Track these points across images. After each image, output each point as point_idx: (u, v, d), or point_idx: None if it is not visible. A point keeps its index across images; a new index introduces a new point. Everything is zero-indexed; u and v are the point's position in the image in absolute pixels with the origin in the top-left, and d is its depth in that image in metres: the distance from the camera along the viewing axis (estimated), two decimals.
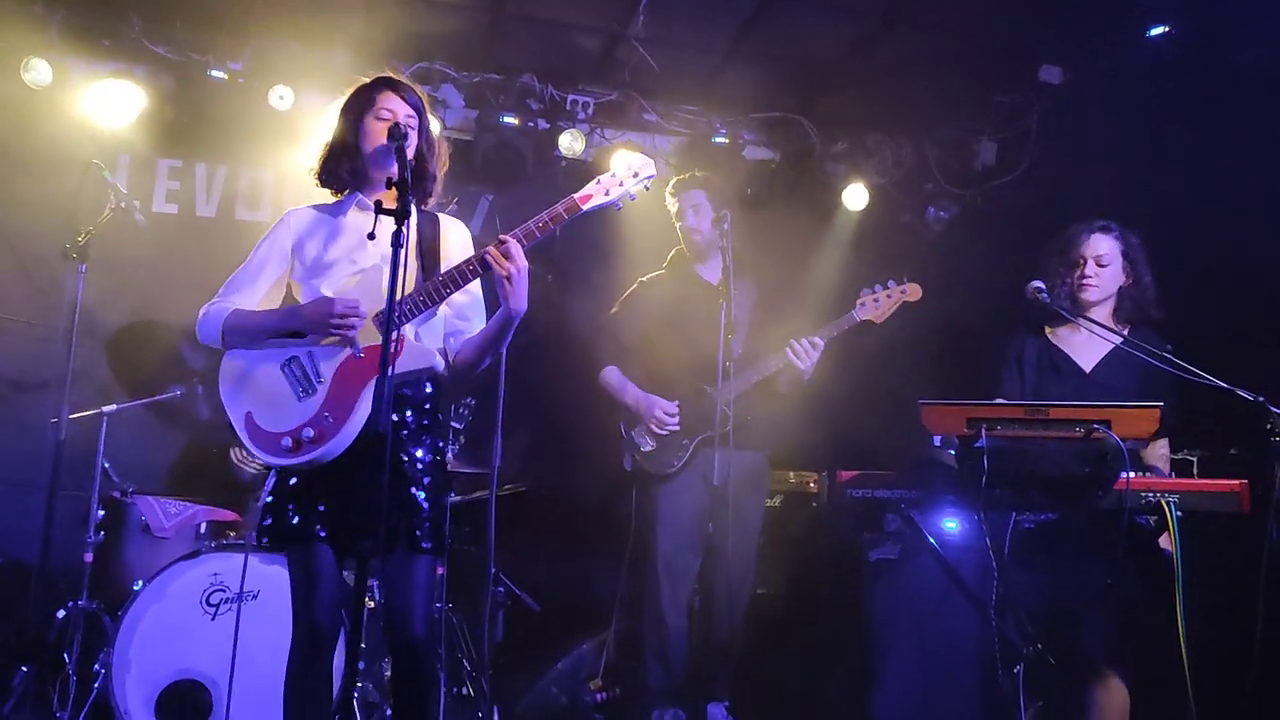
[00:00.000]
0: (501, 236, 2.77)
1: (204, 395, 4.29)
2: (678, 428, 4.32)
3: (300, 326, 2.82)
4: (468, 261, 2.81)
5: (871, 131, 5.98)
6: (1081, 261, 3.71)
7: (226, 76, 5.22)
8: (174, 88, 5.21)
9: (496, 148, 5.56)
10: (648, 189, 2.91)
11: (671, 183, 4.66)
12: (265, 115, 5.24)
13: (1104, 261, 3.69)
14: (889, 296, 4.26)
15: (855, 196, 5.91)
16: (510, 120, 5.57)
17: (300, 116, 5.25)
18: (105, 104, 5.07)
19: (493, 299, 2.96)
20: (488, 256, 2.76)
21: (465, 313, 3.01)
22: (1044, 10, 4.75)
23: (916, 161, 6.01)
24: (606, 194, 2.85)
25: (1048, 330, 3.83)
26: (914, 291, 4.29)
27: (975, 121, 5.78)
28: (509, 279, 2.74)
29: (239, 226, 5.59)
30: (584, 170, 5.74)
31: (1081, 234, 3.76)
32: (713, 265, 4.55)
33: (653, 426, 4.33)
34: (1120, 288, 3.73)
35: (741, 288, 4.33)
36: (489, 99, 5.58)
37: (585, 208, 2.85)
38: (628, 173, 2.86)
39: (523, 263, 2.75)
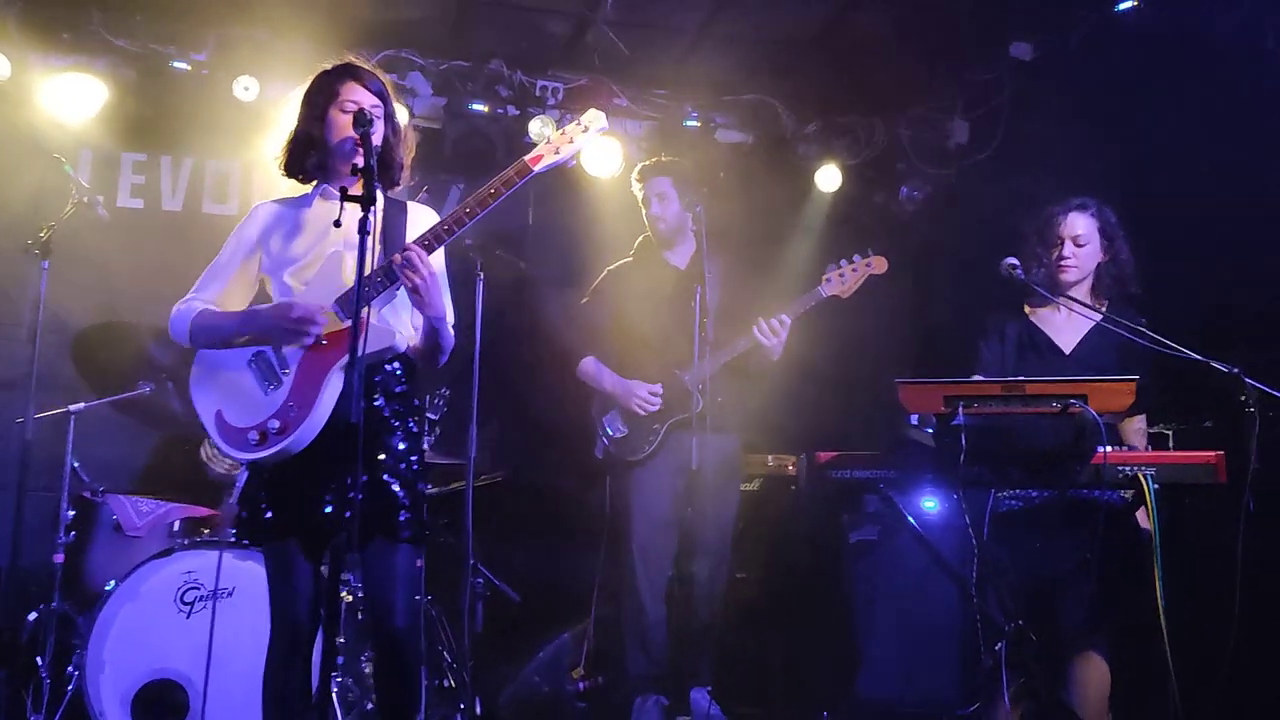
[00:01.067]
0: (407, 244, 2.71)
1: (174, 391, 4.23)
2: (659, 406, 4.29)
3: (259, 331, 2.79)
4: (426, 234, 2.76)
5: (843, 112, 5.96)
6: (1059, 242, 3.68)
7: (190, 68, 5.14)
8: (136, 80, 5.13)
9: (466, 135, 5.50)
10: (599, 137, 2.87)
11: (636, 169, 4.60)
12: (230, 106, 5.16)
13: (1081, 241, 3.67)
14: (854, 270, 4.23)
15: (828, 178, 5.89)
16: (479, 107, 5.51)
17: (266, 107, 5.17)
18: (66, 98, 4.97)
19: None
20: (393, 266, 2.70)
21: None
22: None
23: (889, 141, 5.99)
24: (557, 152, 2.80)
25: (1028, 310, 3.80)
26: (879, 264, 4.26)
27: (947, 100, 5.77)
28: (415, 290, 2.69)
29: (206, 220, 5.51)
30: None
31: (1058, 214, 3.72)
32: (680, 251, 4.53)
33: (634, 408, 4.30)
34: (1098, 264, 3.70)
35: (710, 270, 4.30)
36: (457, 86, 5.52)
37: (536, 169, 2.80)
38: (577, 128, 2.83)
39: (427, 270, 2.69)
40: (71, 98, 4.98)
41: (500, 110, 5.55)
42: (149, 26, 5.09)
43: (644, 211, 4.53)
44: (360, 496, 2.42)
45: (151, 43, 5.12)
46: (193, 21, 5.12)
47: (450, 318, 2.89)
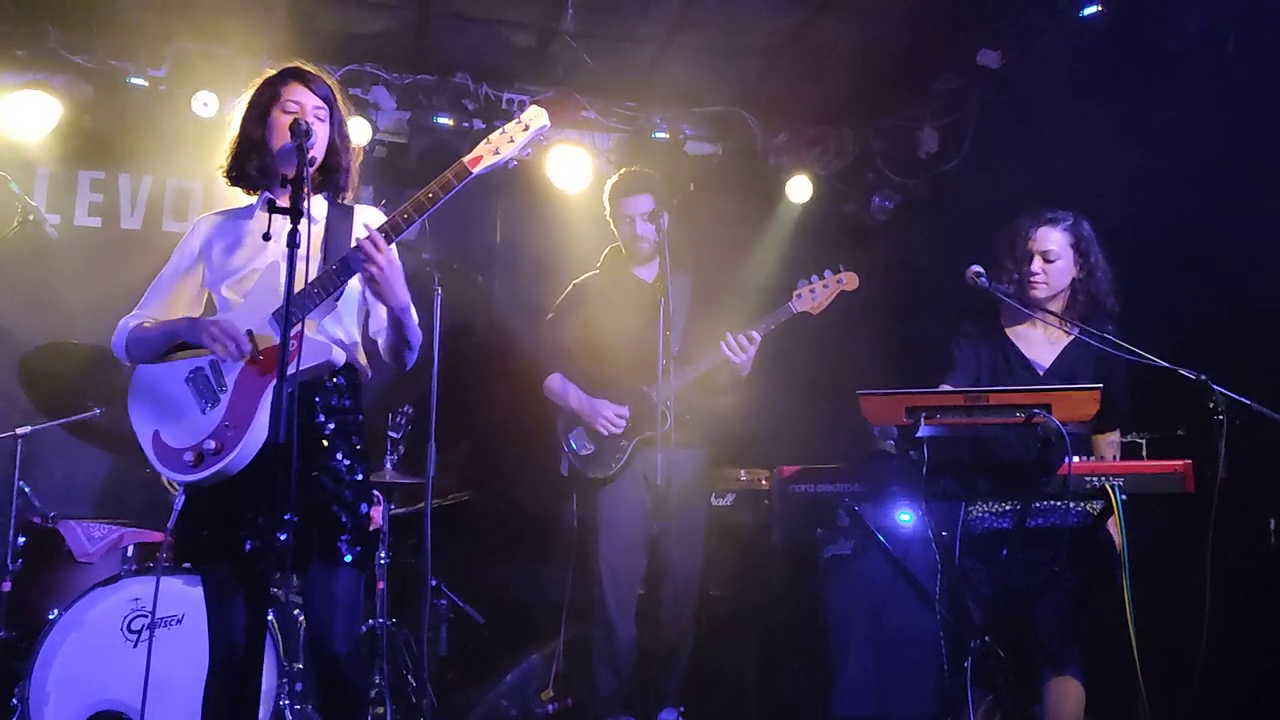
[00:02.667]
0: (358, 238, 2.64)
1: (126, 414, 4.12)
2: (623, 429, 4.21)
3: (186, 337, 2.73)
4: (344, 256, 2.69)
5: (813, 123, 5.93)
6: (1029, 257, 3.52)
7: (147, 84, 5.08)
8: (93, 97, 5.06)
9: (431, 149, 5.45)
10: (542, 140, 2.79)
11: (613, 184, 4.45)
12: (189, 123, 5.09)
13: (1051, 257, 3.50)
14: (825, 287, 4.18)
15: (799, 188, 5.85)
16: (444, 121, 5.46)
17: (225, 123, 5.01)
18: (22, 115, 4.90)
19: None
20: (347, 258, 2.63)
21: (374, 306, 2.87)
22: None
23: (859, 151, 5.96)
24: (496, 153, 2.73)
25: (1006, 329, 3.65)
26: (851, 280, 4.20)
27: (916, 109, 5.72)
28: (374, 279, 2.61)
29: (166, 238, 5.42)
30: (523, 169, 5.64)
31: (1028, 228, 3.55)
32: (651, 266, 4.44)
33: (599, 428, 4.22)
34: (1073, 280, 3.53)
35: (678, 284, 4.22)
36: (422, 100, 5.47)
37: (476, 170, 2.73)
38: (517, 127, 2.75)
39: (384, 258, 2.61)
40: (27, 115, 4.91)
41: (466, 124, 5.50)
42: (106, 42, 5.03)
43: (621, 229, 4.41)
44: (295, 518, 2.33)
45: (109, 59, 5.06)
46: (150, 37, 5.05)
47: (413, 314, 2.80)
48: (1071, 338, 3.55)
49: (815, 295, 4.17)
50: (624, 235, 4.40)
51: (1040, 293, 3.52)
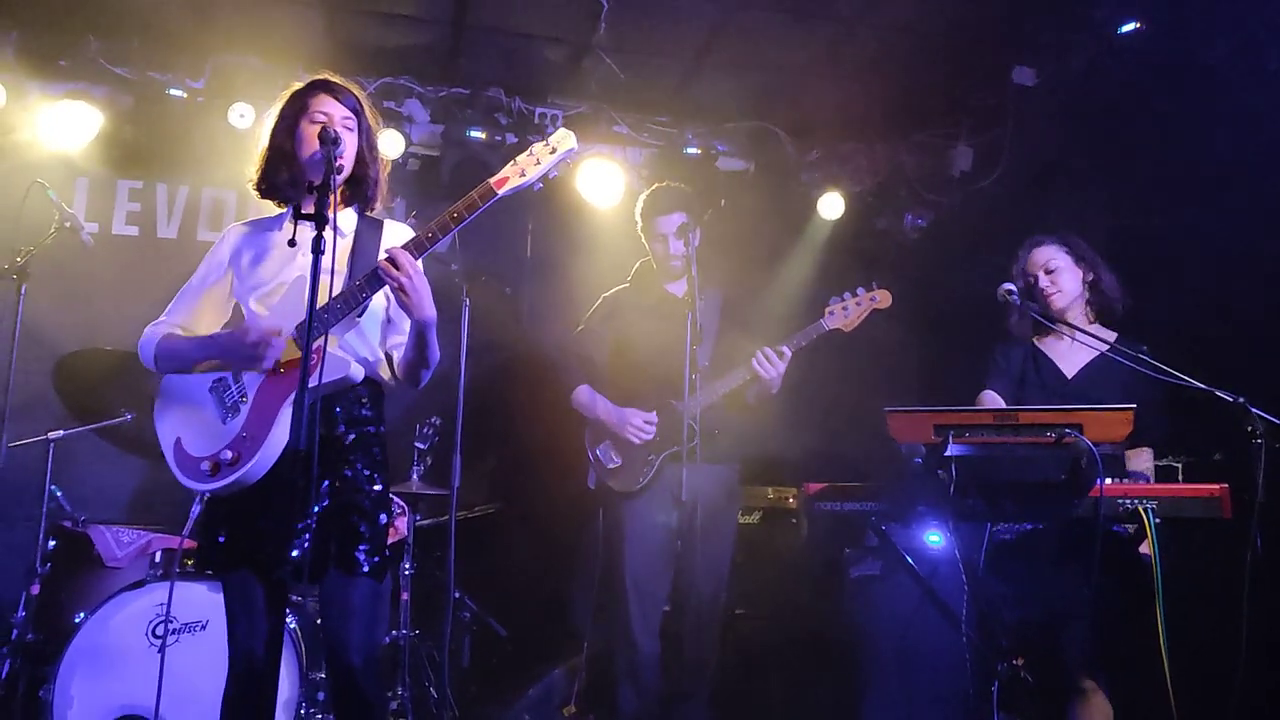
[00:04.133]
0: (389, 249, 2.65)
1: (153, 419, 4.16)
2: (653, 436, 4.19)
3: (218, 356, 2.73)
4: (372, 270, 2.69)
5: (846, 140, 5.90)
6: (1034, 277, 3.72)
7: (186, 95, 5.15)
8: (133, 107, 5.13)
9: (464, 163, 5.47)
10: (569, 161, 2.78)
11: (646, 200, 4.41)
12: (226, 134, 5.15)
13: (1052, 267, 3.70)
14: (858, 304, 4.14)
15: (831, 205, 5.83)
16: (477, 135, 5.48)
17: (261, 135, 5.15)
18: (63, 125, 4.99)
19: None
20: (379, 269, 2.63)
21: (398, 317, 2.87)
22: (1014, 11, 4.67)
23: (891, 169, 5.91)
24: (523, 175, 2.72)
25: (1035, 339, 3.77)
26: (884, 298, 4.17)
27: (950, 127, 5.69)
28: (402, 289, 2.61)
29: (201, 247, 5.35)
30: (554, 184, 5.65)
31: (1024, 251, 3.79)
32: (682, 281, 4.41)
33: (629, 436, 4.20)
34: (1084, 285, 3.71)
35: (707, 299, 4.21)
36: (455, 114, 5.49)
37: (502, 191, 2.73)
38: (545, 149, 2.74)
39: (413, 270, 2.61)
40: (68, 124, 5.00)
41: (499, 137, 5.51)
42: (146, 54, 5.11)
43: (654, 245, 4.37)
44: (314, 526, 2.32)
45: (148, 70, 5.13)
46: (189, 49, 5.13)
47: (434, 334, 2.79)
48: (1098, 353, 3.59)
49: (848, 312, 4.13)
50: (656, 251, 4.37)
51: (1058, 302, 3.70)
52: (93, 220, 4.53)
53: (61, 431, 4.03)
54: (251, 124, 5.11)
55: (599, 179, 5.61)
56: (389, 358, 2.88)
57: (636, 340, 4.32)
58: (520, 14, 5.03)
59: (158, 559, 4.08)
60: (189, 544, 4.20)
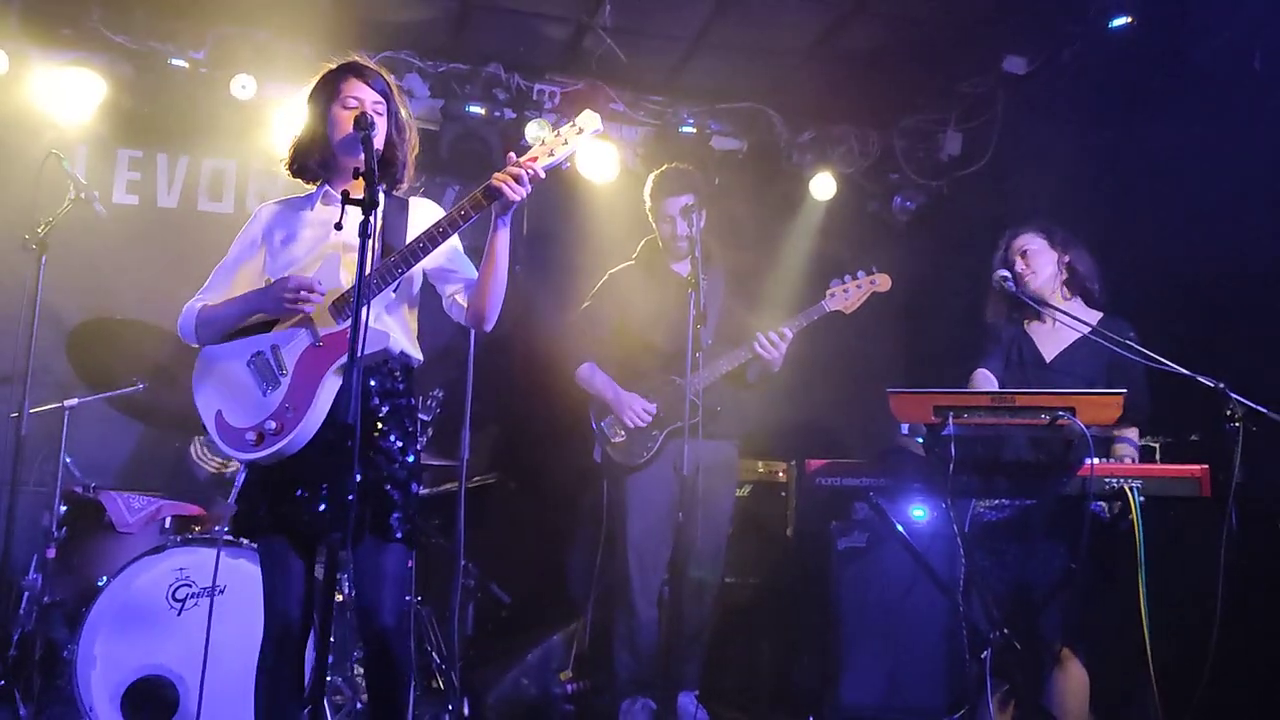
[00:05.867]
0: (517, 160, 2.74)
1: (168, 389, 4.23)
2: (651, 422, 4.32)
3: (258, 307, 2.82)
4: (426, 233, 2.77)
5: (838, 122, 6.00)
6: (1012, 262, 3.84)
7: (188, 65, 5.14)
8: (134, 77, 5.13)
9: (462, 137, 5.52)
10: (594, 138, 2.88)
11: (655, 180, 4.49)
12: (227, 105, 5.18)
13: (1030, 254, 3.81)
14: (859, 287, 4.27)
15: (822, 186, 5.93)
16: (477, 110, 5.53)
17: (263, 106, 5.19)
18: (64, 93, 4.98)
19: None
20: (490, 186, 2.72)
21: (452, 265, 2.97)
22: (1007, 1, 4.78)
23: (883, 152, 6.04)
24: (551, 154, 2.79)
25: (1024, 323, 3.89)
26: (884, 282, 4.30)
27: (941, 112, 5.82)
28: (510, 204, 2.73)
29: (201, 218, 5.53)
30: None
31: (1005, 239, 3.91)
32: (687, 261, 4.52)
33: (626, 419, 4.33)
34: (1062, 266, 3.84)
35: (712, 278, 4.30)
36: (455, 89, 5.54)
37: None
38: (572, 129, 2.80)
39: (526, 189, 2.74)
40: (70, 93, 4.98)
41: (497, 113, 5.57)
42: (148, 24, 5.10)
43: (662, 225, 4.46)
44: (354, 497, 2.43)
45: (150, 40, 5.13)
46: (191, 20, 5.14)
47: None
48: (1078, 335, 3.72)
49: (848, 295, 4.26)
50: (664, 231, 4.46)
51: (1032, 284, 3.81)
52: (93, 188, 4.51)
53: (77, 399, 4.08)
54: (253, 95, 5.14)
55: (595, 156, 5.68)
56: (425, 331, 2.97)
57: (641, 318, 4.43)
58: None
59: (168, 525, 4.16)
60: (197, 510, 4.30)
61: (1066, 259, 3.82)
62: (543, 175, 2.78)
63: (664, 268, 4.51)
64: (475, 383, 4.24)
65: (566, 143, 2.81)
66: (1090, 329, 3.66)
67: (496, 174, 2.73)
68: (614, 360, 4.47)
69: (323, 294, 2.76)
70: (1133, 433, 3.67)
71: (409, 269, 2.78)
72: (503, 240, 2.84)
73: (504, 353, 5.40)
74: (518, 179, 2.71)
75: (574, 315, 4.62)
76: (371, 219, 2.42)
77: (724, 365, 4.27)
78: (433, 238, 2.76)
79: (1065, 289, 3.83)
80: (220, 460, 4.43)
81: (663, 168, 4.55)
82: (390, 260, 2.76)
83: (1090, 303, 3.82)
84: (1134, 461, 3.56)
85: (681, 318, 3.92)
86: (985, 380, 3.78)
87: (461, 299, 2.96)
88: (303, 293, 2.73)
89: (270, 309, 2.81)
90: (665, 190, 4.42)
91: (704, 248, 4.00)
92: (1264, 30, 4.02)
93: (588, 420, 4.47)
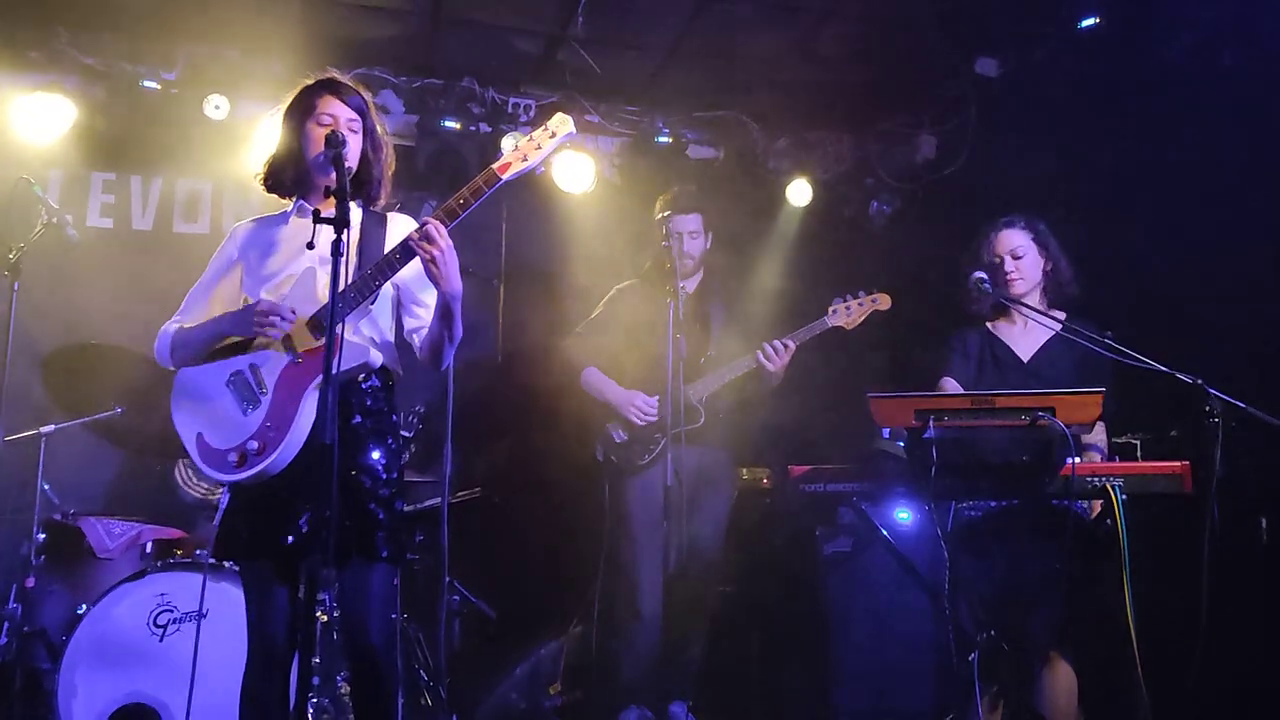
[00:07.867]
0: (422, 219, 2.72)
1: (147, 412, 4.20)
2: (655, 418, 4.36)
3: (230, 329, 2.80)
4: (392, 250, 2.76)
5: (813, 128, 6.03)
6: (999, 259, 3.80)
7: (159, 86, 5.11)
8: (105, 99, 5.10)
9: (438, 152, 5.52)
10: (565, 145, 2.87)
11: (665, 201, 4.59)
12: (201, 125, 5.14)
13: (1019, 253, 3.78)
14: (860, 305, 4.39)
15: (799, 192, 5.95)
16: (452, 124, 5.53)
17: (236, 125, 5.17)
18: (34, 117, 4.93)
19: None
20: (409, 241, 2.70)
21: (418, 298, 2.96)
22: (978, 3, 4.80)
23: (858, 156, 6.07)
24: (525, 159, 2.80)
25: (988, 323, 3.89)
26: (884, 301, 4.43)
27: (915, 116, 5.84)
28: (434, 262, 2.68)
29: (176, 239, 5.49)
30: (528, 174, 5.70)
31: (990, 233, 3.86)
32: (693, 279, 4.61)
33: (631, 417, 4.37)
34: (1044, 272, 3.82)
35: (714, 291, 4.45)
36: (429, 104, 5.53)
37: (505, 177, 2.80)
38: (544, 134, 2.81)
39: (445, 243, 2.69)
40: (40, 117, 4.94)
41: (473, 127, 5.57)
42: (118, 45, 5.07)
43: (668, 244, 4.46)
44: (336, 516, 2.42)
45: (121, 61, 5.10)
46: (162, 40, 5.11)
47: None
48: (1052, 333, 3.73)
49: (850, 312, 4.39)
50: (671, 252, 4.47)
51: (1018, 288, 3.78)
52: (66, 213, 4.47)
53: (54, 425, 4.05)
54: (226, 115, 5.11)
55: (571, 167, 5.68)
56: (408, 344, 2.96)
57: (647, 332, 4.46)
58: (495, 5, 5.08)
59: (148, 549, 4.13)
60: (178, 534, 4.27)
61: (1050, 265, 3.81)
62: (451, 226, 2.74)
63: (669, 284, 4.53)
64: (455, 397, 4.22)
65: (540, 147, 2.82)
66: (1063, 325, 3.67)
67: (411, 233, 2.71)
68: (619, 370, 4.54)
69: (293, 320, 2.73)
70: (1100, 430, 3.69)
71: (386, 280, 2.77)
72: (440, 309, 2.81)
73: (484, 368, 5.39)
74: (428, 238, 2.67)
75: (580, 326, 4.71)
76: (343, 237, 2.40)
77: (726, 375, 4.36)
78: (392, 262, 2.75)
79: (1044, 295, 3.83)
80: (208, 485, 4.40)
81: (674, 189, 4.68)
82: (367, 273, 2.75)
83: (1061, 302, 3.83)
84: (1103, 458, 3.56)
85: (683, 332, 4.01)
86: (952, 389, 3.78)
87: (418, 338, 2.96)
88: (272, 317, 2.70)
89: (242, 332, 2.79)
90: (671, 209, 4.54)
91: (709, 265, 4.20)
92: (1233, 26, 4.05)
93: (570, 432, 4.50)
